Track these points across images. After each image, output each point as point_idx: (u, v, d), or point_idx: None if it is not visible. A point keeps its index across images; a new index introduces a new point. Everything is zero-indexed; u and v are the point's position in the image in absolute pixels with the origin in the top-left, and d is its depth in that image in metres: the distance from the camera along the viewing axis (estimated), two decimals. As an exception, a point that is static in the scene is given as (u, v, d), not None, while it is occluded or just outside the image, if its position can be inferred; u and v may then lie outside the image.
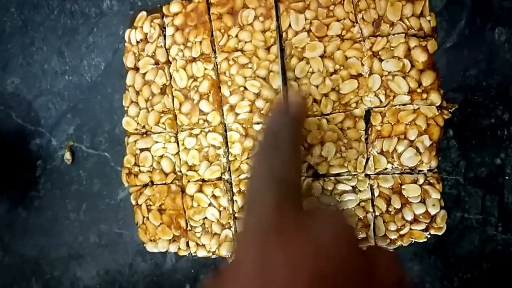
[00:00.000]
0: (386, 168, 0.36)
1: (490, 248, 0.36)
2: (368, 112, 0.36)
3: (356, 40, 0.36)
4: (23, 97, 0.44)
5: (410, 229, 0.36)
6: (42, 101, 0.43)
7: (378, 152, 0.36)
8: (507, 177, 0.35)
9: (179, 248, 0.40)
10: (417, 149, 0.36)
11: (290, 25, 0.37)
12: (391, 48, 0.36)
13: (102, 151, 0.42)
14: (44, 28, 0.43)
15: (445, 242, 0.37)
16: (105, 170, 0.42)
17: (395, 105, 0.36)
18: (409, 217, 0.36)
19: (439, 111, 0.35)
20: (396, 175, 0.36)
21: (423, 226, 0.36)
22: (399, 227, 0.36)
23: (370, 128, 0.36)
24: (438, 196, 0.35)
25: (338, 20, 0.36)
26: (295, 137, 0.29)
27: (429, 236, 0.36)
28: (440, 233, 0.35)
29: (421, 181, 0.36)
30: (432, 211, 0.36)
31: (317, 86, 0.36)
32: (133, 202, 0.40)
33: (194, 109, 0.39)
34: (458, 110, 0.36)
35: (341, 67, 0.36)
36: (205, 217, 0.39)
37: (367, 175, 0.37)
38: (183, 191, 0.39)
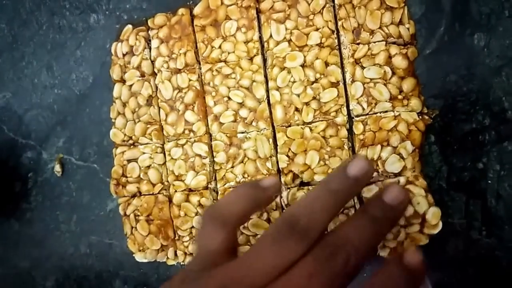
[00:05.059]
0: (372, 177, 0.36)
1: (474, 253, 0.36)
2: (351, 121, 0.37)
3: (336, 48, 0.37)
4: (14, 111, 0.45)
5: (407, 233, 0.36)
6: (32, 114, 0.44)
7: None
8: (489, 181, 0.35)
9: (168, 258, 0.40)
10: (400, 155, 0.36)
11: (271, 35, 0.38)
12: (372, 56, 0.36)
13: (91, 162, 0.43)
14: (33, 43, 0.44)
15: (429, 247, 0.37)
16: (94, 181, 0.43)
17: (376, 113, 0.36)
18: (401, 221, 0.36)
19: (420, 117, 0.36)
20: (379, 182, 0.36)
21: (417, 228, 0.35)
22: (394, 233, 0.36)
23: (353, 138, 0.37)
24: (422, 193, 0.35)
25: (318, 29, 0.37)
26: None
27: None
28: (436, 231, 0.34)
29: (402, 181, 0.35)
30: (420, 210, 0.35)
31: (298, 95, 0.37)
32: (122, 213, 0.41)
33: (180, 119, 0.39)
34: (439, 115, 0.36)
35: (322, 76, 0.37)
36: (192, 226, 0.39)
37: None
38: (170, 201, 0.40)
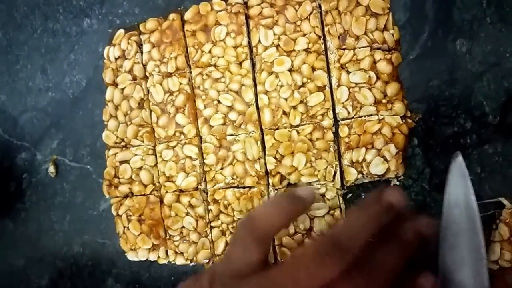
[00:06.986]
0: (357, 179, 0.38)
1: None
2: (336, 124, 0.38)
3: (322, 53, 0.38)
4: (9, 114, 0.46)
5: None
6: (27, 117, 0.45)
7: (348, 164, 0.37)
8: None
9: (159, 257, 0.41)
10: (384, 157, 0.37)
11: (259, 41, 0.38)
12: (358, 61, 0.37)
13: (84, 164, 0.44)
14: (28, 46, 0.45)
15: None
16: (87, 182, 0.44)
17: (361, 116, 0.37)
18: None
19: (404, 121, 0.37)
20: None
21: None
22: None
23: (339, 141, 0.38)
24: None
25: (305, 35, 0.38)
26: None
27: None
28: None
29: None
30: None
31: (286, 99, 0.38)
32: (114, 213, 0.42)
33: (171, 122, 0.40)
34: (422, 119, 0.37)
35: (308, 80, 0.38)
36: (183, 226, 0.40)
37: (342, 188, 0.38)
38: (161, 201, 0.41)
